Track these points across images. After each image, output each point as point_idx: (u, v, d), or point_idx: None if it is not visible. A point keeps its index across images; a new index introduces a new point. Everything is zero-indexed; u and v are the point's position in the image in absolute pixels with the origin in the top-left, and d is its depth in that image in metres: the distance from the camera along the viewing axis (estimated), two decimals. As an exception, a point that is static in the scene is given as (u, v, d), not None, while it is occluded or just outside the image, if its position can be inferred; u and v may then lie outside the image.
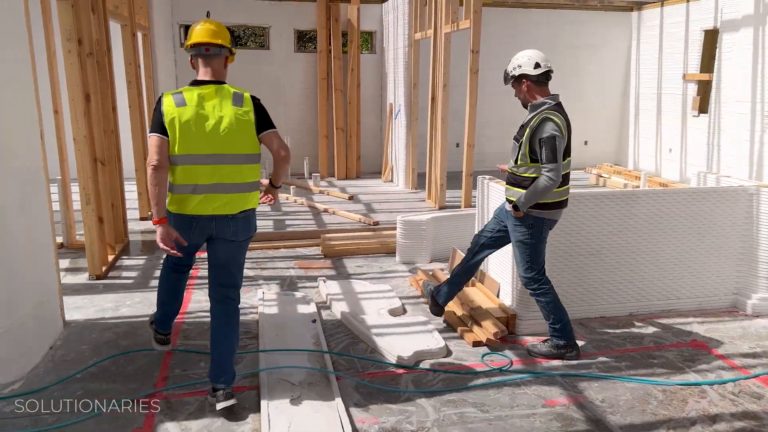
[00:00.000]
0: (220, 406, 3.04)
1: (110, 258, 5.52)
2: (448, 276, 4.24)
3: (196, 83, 3.09)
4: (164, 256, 3.44)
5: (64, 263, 5.52)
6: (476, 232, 4.99)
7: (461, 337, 4.01)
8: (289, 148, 3.17)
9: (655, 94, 10.92)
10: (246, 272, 5.31)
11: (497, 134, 11.23)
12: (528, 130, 3.57)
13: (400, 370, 3.55)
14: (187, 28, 10.76)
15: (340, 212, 7.70)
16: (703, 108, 9.75)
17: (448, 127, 7.94)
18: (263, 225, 7.14)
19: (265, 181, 3.38)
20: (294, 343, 3.80)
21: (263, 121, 3.12)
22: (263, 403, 3.10)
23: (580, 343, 3.93)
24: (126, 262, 5.65)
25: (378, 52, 11.03)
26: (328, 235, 6.12)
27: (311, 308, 4.40)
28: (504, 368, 3.61)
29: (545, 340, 3.81)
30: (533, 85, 3.64)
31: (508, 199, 3.75)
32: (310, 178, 10.30)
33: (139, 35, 7.68)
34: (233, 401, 3.07)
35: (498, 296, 4.46)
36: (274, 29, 10.60)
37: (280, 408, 3.06)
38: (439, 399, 3.25)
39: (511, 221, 3.73)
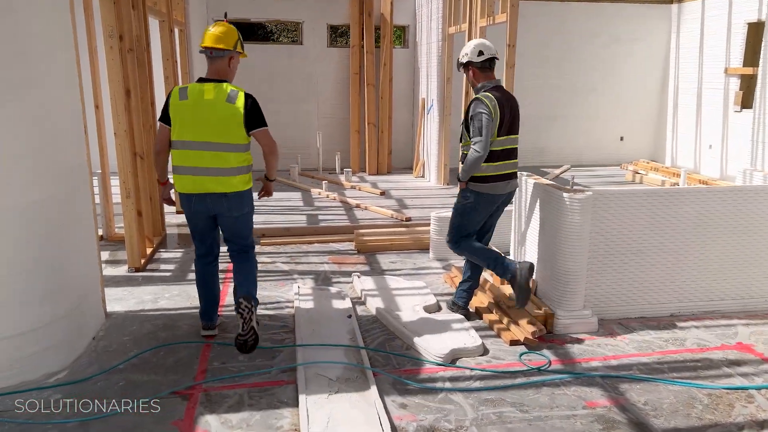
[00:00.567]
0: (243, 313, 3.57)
1: (148, 251, 5.61)
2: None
3: (201, 80, 3.58)
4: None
5: (104, 255, 5.64)
6: (512, 228, 4.94)
7: (498, 336, 3.97)
8: (275, 144, 3.63)
9: (695, 88, 10.63)
10: (281, 267, 5.41)
11: (530, 128, 11.09)
12: (468, 112, 4.01)
13: (437, 368, 3.53)
14: (221, 23, 10.87)
15: (372, 208, 7.70)
16: (746, 103, 9.45)
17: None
18: (297, 220, 7.19)
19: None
20: (330, 338, 3.81)
21: (253, 119, 3.53)
22: (301, 397, 3.11)
23: (620, 343, 3.86)
24: (164, 254, 5.74)
25: (410, 46, 10.98)
26: (361, 231, 6.12)
27: (346, 303, 4.40)
28: (542, 368, 3.55)
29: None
30: (478, 71, 4.04)
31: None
32: (342, 173, 10.32)
33: (176, 31, 7.78)
34: (252, 326, 3.59)
35: (536, 294, 4.40)
36: (307, 24, 10.63)
37: (319, 403, 3.07)
38: (477, 398, 3.22)
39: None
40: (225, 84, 3.55)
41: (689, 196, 4.22)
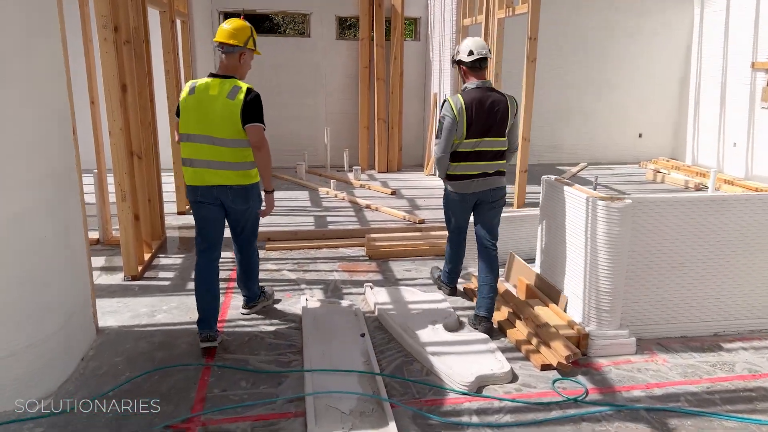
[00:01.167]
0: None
1: (146, 256, 5.27)
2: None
3: (210, 75, 3.62)
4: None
5: (100, 261, 5.31)
6: (538, 236, 4.57)
7: (527, 358, 3.61)
8: (266, 142, 3.62)
9: (719, 83, 10.19)
10: (288, 275, 5.05)
11: (545, 124, 10.69)
12: None
13: (462, 398, 3.17)
14: (226, 15, 10.50)
15: (383, 209, 7.33)
16: (774, 99, 9.01)
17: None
18: (304, 222, 6.84)
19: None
20: (342, 362, 3.45)
21: (248, 114, 3.53)
22: (311, 435, 2.76)
23: (662, 367, 3.50)
24: (163, 260, 5.40)
25: (422, 39, 10.56)
26: (372, 236, 5.76)
27: (359, 320, 4.04)
28: (579, 398, 3.18)
29: (439, 275, 4.71)
30: (468, 71, 4.06)
31: None
32: (350, 170, 9.95)
33: (178, 22, 7.41)
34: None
35: (565, 311, 4.03)
36: (315, 16, 10.23)
37: (331, 442, 2.71)
38: (508, 435, 2.86)
39: None
40: (231, 80, 3.59)
41: (736, 203, 3.83)
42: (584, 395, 3.22)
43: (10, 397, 2.98)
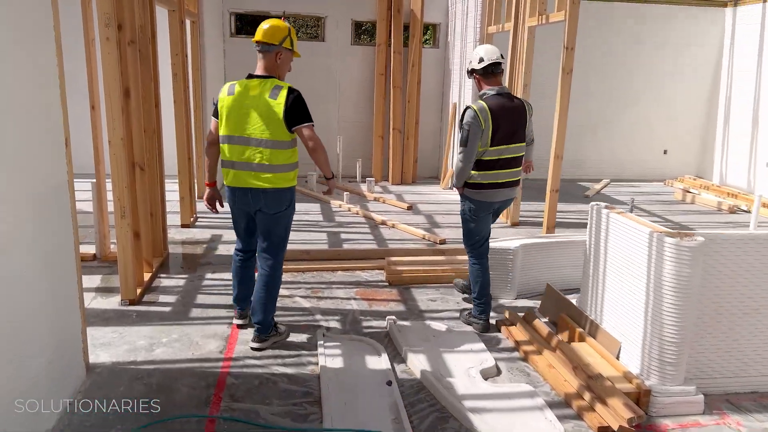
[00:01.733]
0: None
1: (146, 277, 4.81)
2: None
3: (249, 76, 3.56)
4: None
5: (95, 280, 4.85)
6: (583, 266, 4.10)
7: (579, 416, 3.13)
8: (319, 140, 3.54)
9: (751, 99, 9.71)
10: (300, 302, 4.59)
11: (567, 139, 10.20)
12: None
13: (510, 469, 2.70)
14: (238, 16, 10.09)
15: (401, 226, 6.87)
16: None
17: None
18: (316, 239, 6.37)
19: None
20: (368, 417, 2.98)
21: (295, 115, 3.46)
22: None
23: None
24: (164, 281, 4.93)
25: (441, 46, 10.11)
26: (393, 259, 5.28)
27: (384, 362, 3.57)
28: (649, 474, 2.71)
29: (468, 312, 4.27)
30: (482, 78, 3.99)
31: None
32: (363, 181, 9.49)
33: (188, 23, 6.98)
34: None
35: (618, 358, 3.55)
36: (330, 19, 9.79)
37: None
38: None
39: None
40: (271, 80, 3.54)
41: (817, 242, 3.36)
42: (653, 469, 2.74)
43: (-21, 459, 2.52)
